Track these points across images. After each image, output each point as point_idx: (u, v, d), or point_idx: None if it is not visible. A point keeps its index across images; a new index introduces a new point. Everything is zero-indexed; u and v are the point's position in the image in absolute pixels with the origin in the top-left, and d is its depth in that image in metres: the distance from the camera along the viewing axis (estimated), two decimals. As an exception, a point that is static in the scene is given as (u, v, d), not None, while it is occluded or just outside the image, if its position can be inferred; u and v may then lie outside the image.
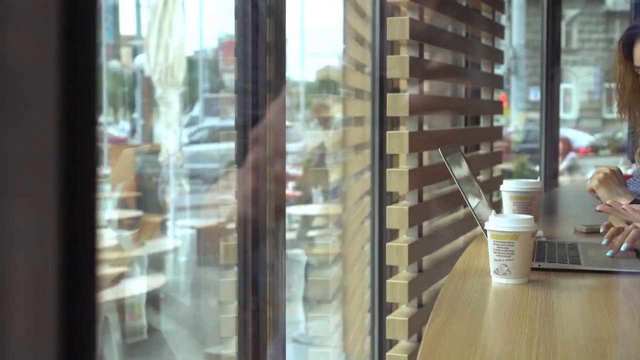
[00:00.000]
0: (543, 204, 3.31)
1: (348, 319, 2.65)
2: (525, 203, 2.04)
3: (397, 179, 2.21)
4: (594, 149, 12.73)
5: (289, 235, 7.44)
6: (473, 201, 1.89)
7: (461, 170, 1.91)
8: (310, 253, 6.49)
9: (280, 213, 1.63)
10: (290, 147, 10.84)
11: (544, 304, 1.43)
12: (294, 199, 7.81)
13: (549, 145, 4.06)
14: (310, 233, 7.09)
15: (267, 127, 1.57)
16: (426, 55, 2.67)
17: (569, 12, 21.67)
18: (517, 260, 1.55)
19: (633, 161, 2.77)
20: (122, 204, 7.73)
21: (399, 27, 2.17)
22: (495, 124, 3.28)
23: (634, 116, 2.28)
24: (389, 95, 2.21)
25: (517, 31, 14.44)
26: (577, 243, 1.93)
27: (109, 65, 11.87)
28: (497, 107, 3.16)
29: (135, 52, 12.77)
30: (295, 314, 5.28)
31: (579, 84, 22.66)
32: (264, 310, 1.60)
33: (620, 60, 2.20)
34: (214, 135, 11.28)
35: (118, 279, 5.49)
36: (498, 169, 3.43)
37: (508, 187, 2.05)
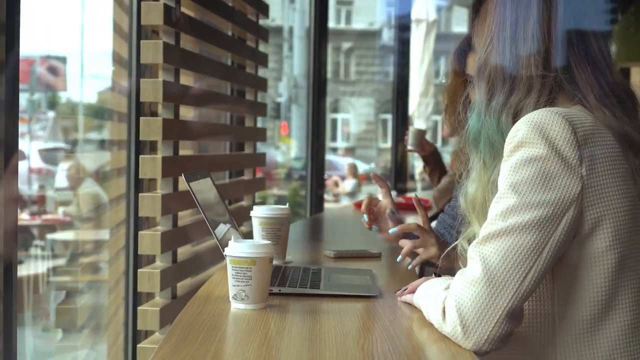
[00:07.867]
0: (306, 228, 3.39)
1: (109, 345, 2.58)
2: (274, 229, 2.07)
3: (150, 204, 2.18)
4: (368, 177, 13.29)
5: (59, 262, 7.15)
6: (222, 227, 1.90)
7: (209, 196, 1.91)
8: (80, 280, 6.29)
9: (11, 238, 1.55)
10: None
11: (276, 328, 1.45)
12: (62, 224, 7.49)
13: (315, 173, 4.18)
14: (82, 259, 6.86)
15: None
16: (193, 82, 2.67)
17: (344, 45, 22.51)
18: (254, 286, 1.56)
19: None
20: None
21: (152, 51, 2.15)
22: (274, 150, 3.33)
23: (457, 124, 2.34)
24: (142, 119, 2.18)
25: (297, 61, 14.82)
26: (322, 268, 1.98)
27: None
28: (260, 134, 3.21)
29: None
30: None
31: (357, 114, 23.60)
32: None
33: (454, 70, 2.31)
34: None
35: None
36: (270, 194, 3.49)
37: (257, 213, 2.08)
